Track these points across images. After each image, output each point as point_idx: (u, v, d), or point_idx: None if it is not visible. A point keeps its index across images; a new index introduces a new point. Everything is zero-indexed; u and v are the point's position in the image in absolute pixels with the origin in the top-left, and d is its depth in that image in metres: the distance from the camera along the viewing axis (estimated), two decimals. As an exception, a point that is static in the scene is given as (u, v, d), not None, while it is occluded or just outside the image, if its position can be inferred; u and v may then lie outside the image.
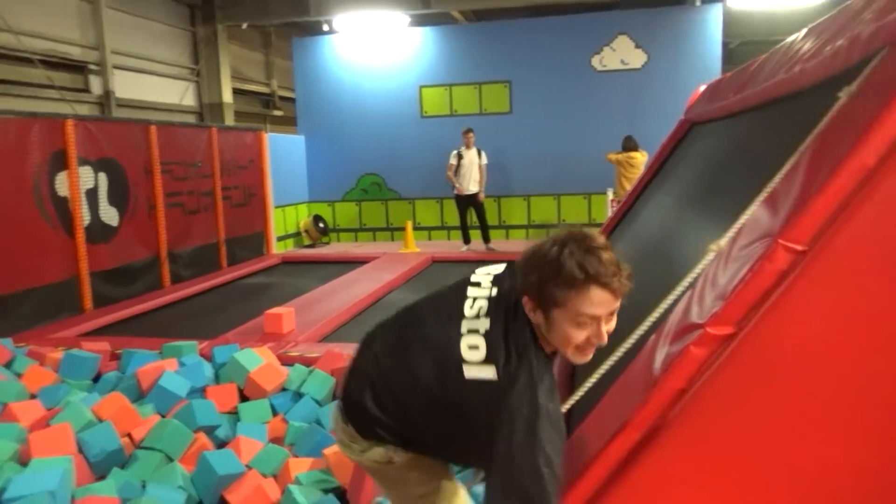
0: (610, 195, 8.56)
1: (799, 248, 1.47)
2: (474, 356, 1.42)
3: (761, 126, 2.79)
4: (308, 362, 3.91)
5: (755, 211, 1.74)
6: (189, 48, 10.50)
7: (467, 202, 8.65)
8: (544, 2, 9.69)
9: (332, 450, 2.78)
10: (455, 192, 8.69)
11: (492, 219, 10.34)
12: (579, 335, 1.33)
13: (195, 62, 10.54)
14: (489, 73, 10.19)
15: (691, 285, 1.81)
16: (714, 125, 4.01)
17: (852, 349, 1.45)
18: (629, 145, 8.10)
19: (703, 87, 4.77)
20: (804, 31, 2.72)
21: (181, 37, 10.32)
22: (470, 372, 1.41)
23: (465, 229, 8.88)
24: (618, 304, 1.34)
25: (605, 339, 1.35)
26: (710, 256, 1.79)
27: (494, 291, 1.52)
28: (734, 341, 1.51)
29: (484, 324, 1.46)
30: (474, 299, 1.52)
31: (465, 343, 1.44)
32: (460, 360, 1.43)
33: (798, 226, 1.48)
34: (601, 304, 1.31)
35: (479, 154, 8.56)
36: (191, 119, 10.42)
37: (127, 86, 8.94)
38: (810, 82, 2.14)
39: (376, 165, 10.63)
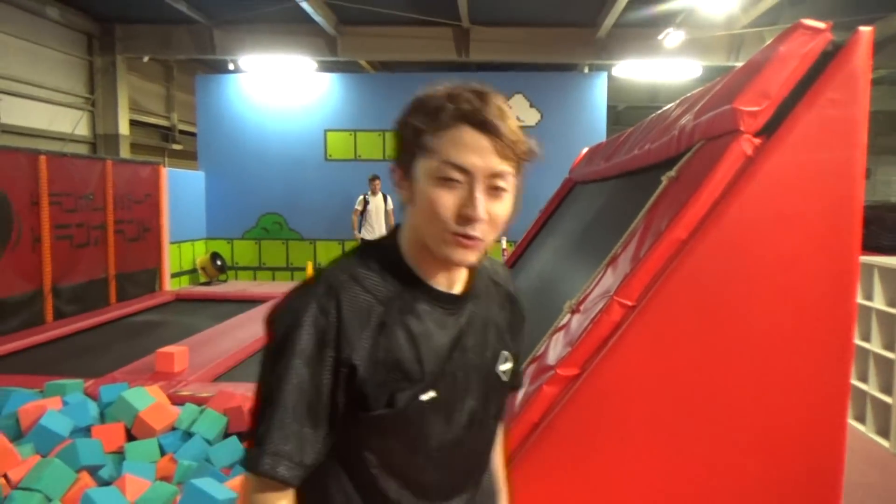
0: (504, 244, 9.02)
1: (629, 303, 1.79)
2: None
3: (621, 191, 3.20)
4: (200, 402, 3.92)
5: (601, 272, 2.07)
6: (85, 77, 10.21)
7: None
8: (448, 59, 10.22)
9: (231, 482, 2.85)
10: (360, 237, 8.87)
11: (392, 262, 10.57)
12: (446, 199, 0.92)
13: (91, 91, 10.25)
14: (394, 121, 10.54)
15: (551, 335, 2.11)
16: (590, 186, 4.48)
17: (666, 386, 1.78)
18: None
19: (585, 150, 5.29)
20: (659, 112, 3.18)
21: (77, 65, 10.02)
22: None
23: None
24: (505, 169, 0.94)
25: (481, 212, 0.92)
26: (565, 311, 2.10)
27: None
28: (579, 381, 1.80)
29: None
30: None
31: None
32: None
33: (629, 286, 1.80)
34: (475, 151, 0.92)
35: (385, 199, 8.89)
36: (83, 149, 10.06)
37: (15, 112, 8.58)
38: (654, 161, 2.55)
39: (278, 205, 10.65)
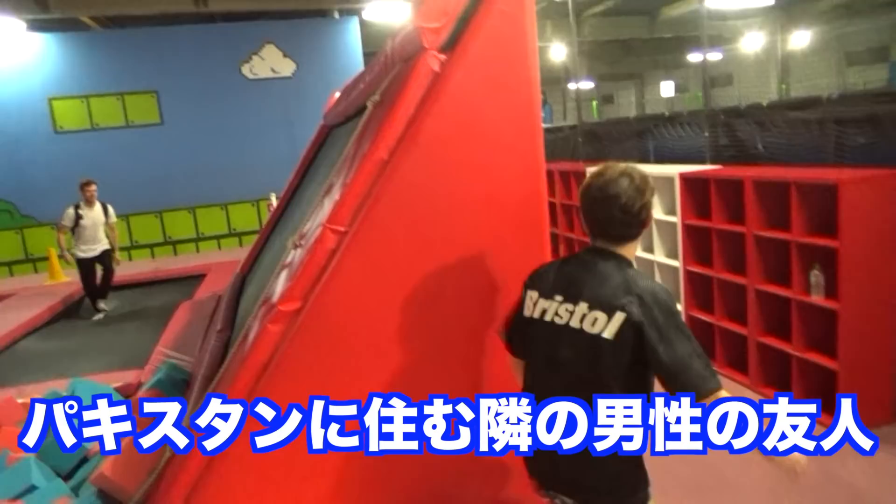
0: (273, 199, 8.72)
1: (341, 229, 1.79)
2: None
3: (354, 127, 3.20)
4: None
5: (320, 203, 2.05)
6: None
7: (92, 265, 6.44)
8: (182, 10, 9.38)
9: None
10: (76, 256, 6.36)
11: (156, 235, 9.75)
12: None
13: None
14: (133, 82, 9.54)
15: (277, 274, 2.05)
16: (339, 128, 4.44)
17: (386, 306, 1.83)
18: None
19: (337, 94, 5.20)
20: (384, 44, 3.19)
21: None
22: None
23: (93, 295, 6.63)
24: None
25: None
26: (289, 248, 2.05)
27: None
28: (302, 314, 1.78)
29: None
30: None
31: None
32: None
33: (339, 212, 1.80)
34: None
35: (106, 210, 6.45)
36: None
37: None
38: (372, 90, 2.56)
39: (3, 190, 9.18)
